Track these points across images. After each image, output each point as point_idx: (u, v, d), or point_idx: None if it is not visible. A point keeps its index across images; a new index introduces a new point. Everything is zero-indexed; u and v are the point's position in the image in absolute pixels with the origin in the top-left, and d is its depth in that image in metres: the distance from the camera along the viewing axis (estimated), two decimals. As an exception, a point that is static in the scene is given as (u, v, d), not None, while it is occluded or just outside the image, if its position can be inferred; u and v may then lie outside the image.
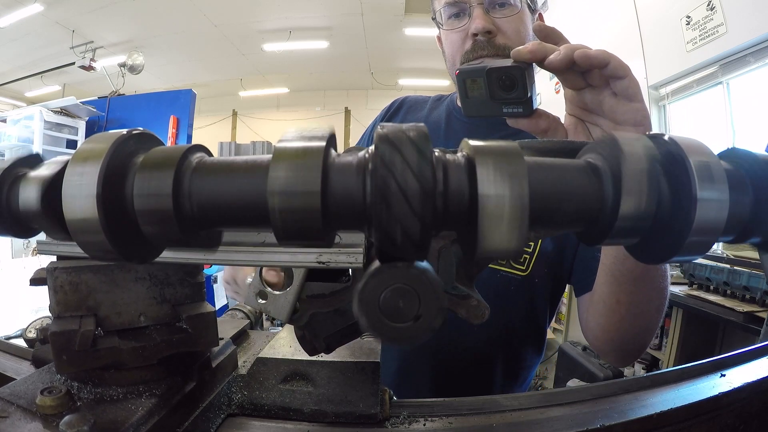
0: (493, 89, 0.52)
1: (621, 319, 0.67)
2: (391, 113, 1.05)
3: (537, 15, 0.83)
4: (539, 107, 0.55)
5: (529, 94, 0.52)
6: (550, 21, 0.84)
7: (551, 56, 0.49)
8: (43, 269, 0.40)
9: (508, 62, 0.51)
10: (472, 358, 0.83)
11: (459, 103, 0.87)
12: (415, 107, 1.02)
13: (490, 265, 0.78)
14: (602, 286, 0.69)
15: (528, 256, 0.82)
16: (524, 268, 0.81)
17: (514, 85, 0.51)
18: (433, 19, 0.83)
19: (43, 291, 0.39)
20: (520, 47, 0.51)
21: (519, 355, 0.85)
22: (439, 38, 0.88)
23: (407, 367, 0.86)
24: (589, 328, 0.76)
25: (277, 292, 0.40)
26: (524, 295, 0.82)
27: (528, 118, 0.54)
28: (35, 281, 0.41)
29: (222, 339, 0.45)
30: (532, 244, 0.81)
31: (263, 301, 0.41)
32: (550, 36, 0.53)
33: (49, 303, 0.38)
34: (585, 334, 0.79)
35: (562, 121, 0.57)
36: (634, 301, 0.67)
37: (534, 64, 0.51)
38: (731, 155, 0.24)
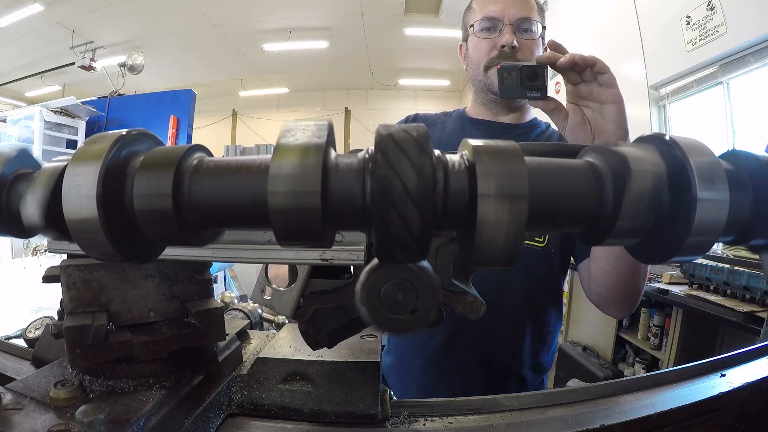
0: (523, 79, 0.78)
1: (617, 257, 0.84)
2: None
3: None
4: (549, 95, 0.81)
5: (545, 84, 0.79)
6: (551, 23, 1.10)
7: (561, 60, 0.75)
8: (55, 267, 0.41)
9: (532, 63, 0.79)
10: (507, 322, 0.97)
11: (468, 113, 1.14)
12: (429, 121, 1.16)
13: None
14: None
15: None
16: (542, 240, 0.97)
17: (536, 77, 0.78)
18: (471, 26, 1.04)
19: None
20: (542, 54, 0.80)
21: (544, 318, 1.01)
22: (461, 46, 1.11)
23: (452, 337, 0.98)
24: (592, 278, 0.91)
25: (282, 289, 0.41)
26: (544, 263, 0.97)
27: (543, 100, 0.80)
28: (48, 278, 0.43)
29: (228, 335, 0.46)
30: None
31: (268, 297, 0.41)
32: (560, 48, 0.78)
33: (60, 299, 0.40)
34: (589, 292, 0.95)
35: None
36: None
37: (548, 65, 0.77)
38: (732, 156, 0.24)
